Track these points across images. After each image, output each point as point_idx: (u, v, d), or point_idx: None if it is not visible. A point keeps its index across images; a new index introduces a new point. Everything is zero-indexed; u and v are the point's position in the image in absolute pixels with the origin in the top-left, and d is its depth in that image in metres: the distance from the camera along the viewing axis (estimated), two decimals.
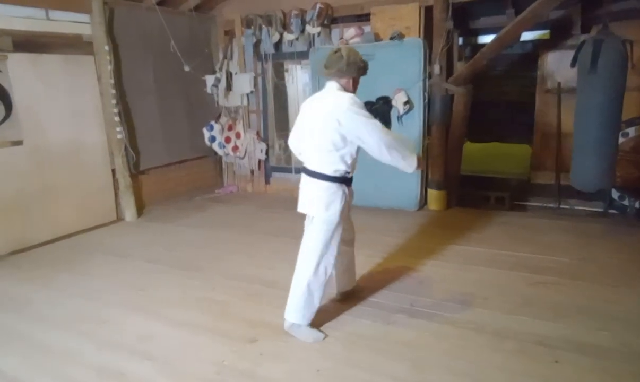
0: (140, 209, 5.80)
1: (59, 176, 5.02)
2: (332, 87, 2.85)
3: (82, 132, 5.24)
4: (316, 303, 2.88)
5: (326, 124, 2.72)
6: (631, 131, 5.16)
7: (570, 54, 4.13)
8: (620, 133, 4.92)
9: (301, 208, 2.91)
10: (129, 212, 5.61)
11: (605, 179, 4.08)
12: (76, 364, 2.73)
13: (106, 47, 5.23)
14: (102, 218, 5.48)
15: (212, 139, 6.70)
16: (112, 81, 5.32)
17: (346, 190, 2.85)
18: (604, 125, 3.89)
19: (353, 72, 2.82)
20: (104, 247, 4.74)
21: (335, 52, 2.83)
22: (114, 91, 5.35)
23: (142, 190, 5.94)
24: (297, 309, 2.86)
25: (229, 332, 2.98)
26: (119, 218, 5.64)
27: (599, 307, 3.10)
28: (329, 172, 2.77)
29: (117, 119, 5.41)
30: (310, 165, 2.84)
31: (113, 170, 5.55)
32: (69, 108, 5.08)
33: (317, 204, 2.80)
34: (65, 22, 5.06)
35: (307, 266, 2.85)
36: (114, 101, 5.36)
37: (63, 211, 5.07)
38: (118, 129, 5.43)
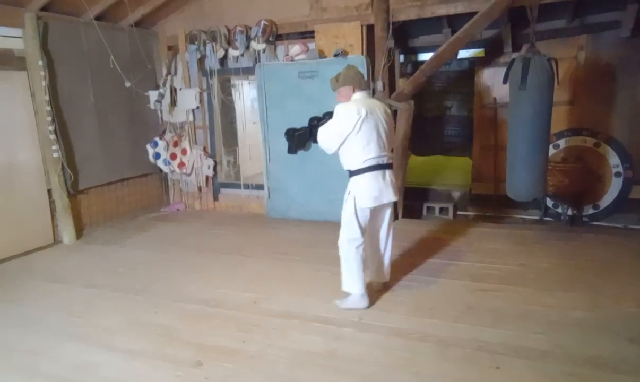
0: (79, 231, 5.53)
1: None
2: (367, 94, 3.42)
3: (15, 151, 4.96)
4: None
5: (389, 120, 3.36)
6: (561, 143, 5.50)
7: (503, 70, 4.36)
8: (552, 145, 5.24)
9: (394, 198, 3.36)
10: (67, 234, 5.34)
11: (537, 188, 4.31)
12: None
13: (40, 63, 5.00)
14: (38, 241, 5.18)
15: (157, 155, 6.52)
16: (47, 98, 5.08)
17: None
18: (534, 138, 4.11)
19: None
20: (39, 272, 4.47)
21: (349, 69, 3.37)
22: (49, 108, 5.10)
23: (81, 211, 5.68)
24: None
25: (172, 357, 2.88)
26: (57, 241, 5.35)
27: (536, 311, 3.25)
28: None
29: (52, 137, 5.16)
30: (389, 159, 3.35)
31: (49, 191, 5.28)
32: None
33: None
34: None
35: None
36: (49, 118, 5.12)
37: None
38: (54, 147, 5.18)
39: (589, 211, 5.42)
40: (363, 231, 3.33)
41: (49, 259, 4.88)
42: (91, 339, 3.14)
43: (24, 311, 3.63)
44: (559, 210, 5.49)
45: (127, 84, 5.86)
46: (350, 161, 3.27)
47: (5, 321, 3.48)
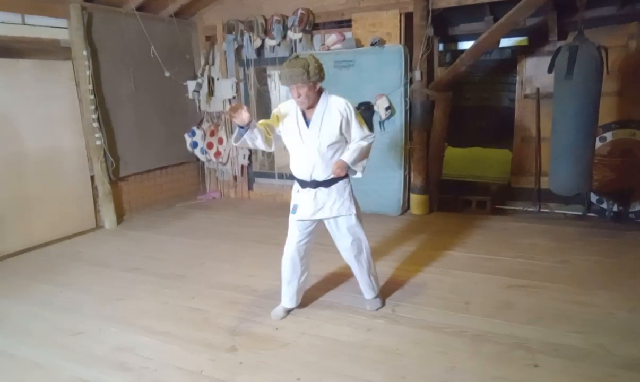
0: (120, 217, 5.72)
1: (36, 184, 4.92)
2: None
3: (60, 138, 5.16)
4: None
5: None
6: (608, 136, 5.25)
7: (548, 59, 4.19)
8: (598, 138, 5.00)
9: None
10: (109, 219, 5.53)
11: (582, 183, 4.13)
12: (49, 378, 2.66)
13: (84, 53, 5.17)
14: (81, 226, 5.38)
15: (194, 144, 6.64)
16: (91, 87, 5.26)
17: (299, 188, 3.24)
18: (580, 130, 3.94)
19: None
20: (81, 256, 4.66)
21: (316, 59, 2.83)
22: (92, 97, 5.28)
23: (122, 197, 5.86)
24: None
25: (208, 341, 2.94)
26: (98, 226, 5.55)
27: (577, 310, 3.13)
28: None
29: (95, 125, 5.33)
30: None
31: (92, 177, 5.47)
32: (46, 114, 4.99)
33: None
34: (42, 27, 4.98)
35: None
36: (92, 107, 5.29)
37: (40, 219, 4.97)
38: (97, 135, 5.36)
39: (637, 207, 5.16)
40: None
41: (91, 243, 5.07)
42: (130, 322, 3.24)
43: (66, 293, 3.78)
44: (604, 206, 5.26)
45: (167, 74, 5.99)
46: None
47: (48, 302, 3.64)
